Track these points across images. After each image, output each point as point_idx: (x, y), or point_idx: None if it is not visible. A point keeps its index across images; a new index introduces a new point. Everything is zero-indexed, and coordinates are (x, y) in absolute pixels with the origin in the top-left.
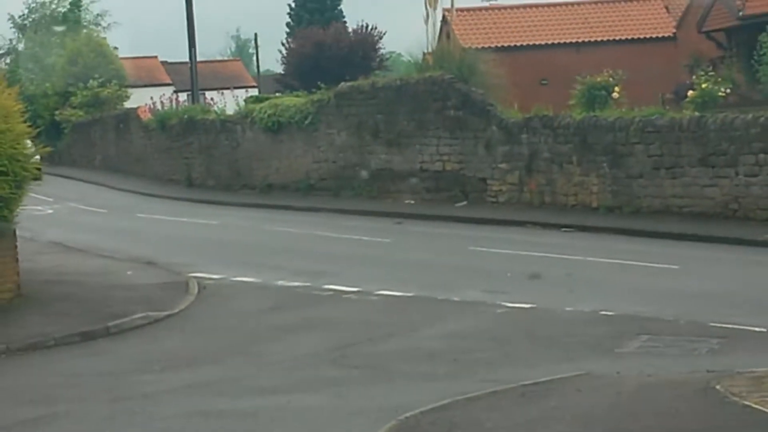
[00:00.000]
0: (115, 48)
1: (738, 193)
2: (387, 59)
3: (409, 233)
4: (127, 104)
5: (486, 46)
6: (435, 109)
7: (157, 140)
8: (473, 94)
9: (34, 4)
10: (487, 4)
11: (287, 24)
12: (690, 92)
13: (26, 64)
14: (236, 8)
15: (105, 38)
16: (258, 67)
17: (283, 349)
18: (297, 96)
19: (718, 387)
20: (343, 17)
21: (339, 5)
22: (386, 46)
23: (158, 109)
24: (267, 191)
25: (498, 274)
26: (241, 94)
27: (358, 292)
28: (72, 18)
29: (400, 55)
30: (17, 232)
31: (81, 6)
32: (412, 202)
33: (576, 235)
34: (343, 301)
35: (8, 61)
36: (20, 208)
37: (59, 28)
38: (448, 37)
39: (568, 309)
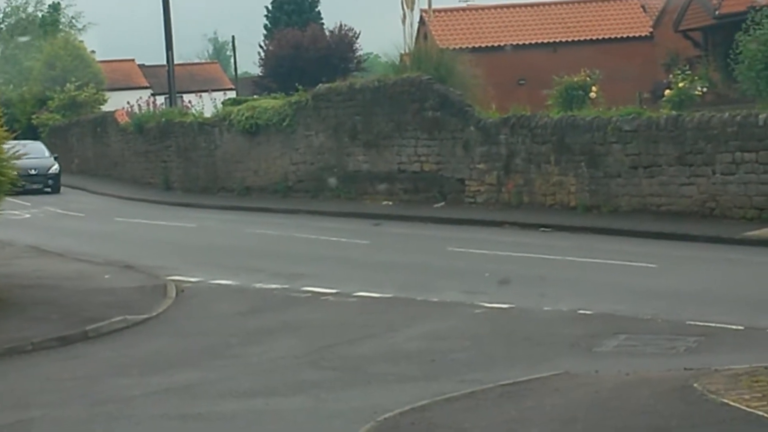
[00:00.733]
0: (93, 51)
1: (715, 191)
2: (364, 60)
3: (388, 234)
4: (105, 108)
5: (463, 46)
6: (413, 110)
7: (134, 143)
8: (451, 94)
9: (9, 9)
10: (464, 4)
11: (265, 26)
12: (667, 91)
13: (3, 67)
14: (213, 10)
15: (82, 41)
16: (236, 69)
17: (261, 352)
18: (274, 98)
19: (695, 385)
20: (321, 19)
21: (316, 7)
22: (364, 47)
23: (136, 113)
24: (245, 194)
25: (476, 274)
26: (219, 96)
27: (336, 293)
28: (49, 21)
29: (377, 56)
30: None
31: (59, 10)
32: (390, 203)
33: (554, 234)
34: (321, 303)
35: None
36: None
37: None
38: (425, 37)
39: (546, 309)
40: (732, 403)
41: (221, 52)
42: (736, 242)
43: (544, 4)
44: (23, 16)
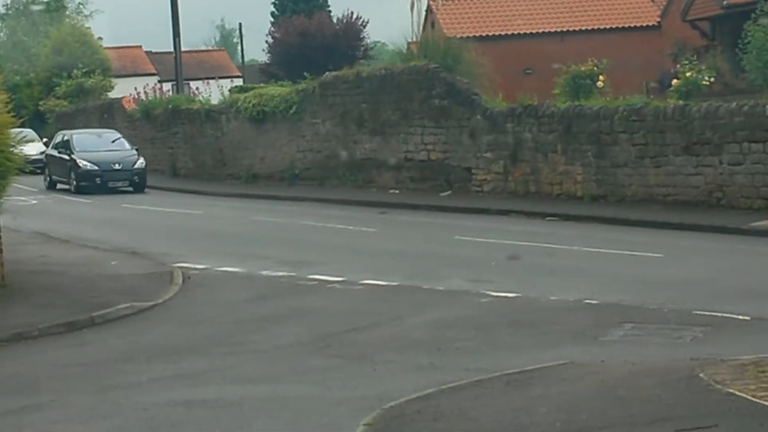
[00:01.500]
0: (100, 38)
1: (722, 181)
2: (372, 48)
3: (394, 223)
4: (112, 94)
5: (471, 35)
6: (420, 98)
7: (141, 130)
8: (458, 83)
9: None
10: None
11: (272, 13)
12: (674, 81)
13: (10, 54)
14: None
15: (89, 28)
16: (242, 56)
17: (268, 339)
18: (281, 86)
19: (701, 375)
20: (328, 6)
21: None
22: (371, 35)
23: (143, 99)
24: (252, 181)
25: (482, 263)
26: (226, 83)
27: (342, 281)
28: (54, 7)
29: (384, 44)
30: (1, 223)
31: None
32: (397, 191)
33: (560, 224)
34: (327, 291)
35: None
36: (4, 198)
37: (37, 7)
38: (432, 26)
39: (552, 298)
40: (738, 393)
41: (228, 40)
42: (743, 232)
43: None
44: (28, 1)
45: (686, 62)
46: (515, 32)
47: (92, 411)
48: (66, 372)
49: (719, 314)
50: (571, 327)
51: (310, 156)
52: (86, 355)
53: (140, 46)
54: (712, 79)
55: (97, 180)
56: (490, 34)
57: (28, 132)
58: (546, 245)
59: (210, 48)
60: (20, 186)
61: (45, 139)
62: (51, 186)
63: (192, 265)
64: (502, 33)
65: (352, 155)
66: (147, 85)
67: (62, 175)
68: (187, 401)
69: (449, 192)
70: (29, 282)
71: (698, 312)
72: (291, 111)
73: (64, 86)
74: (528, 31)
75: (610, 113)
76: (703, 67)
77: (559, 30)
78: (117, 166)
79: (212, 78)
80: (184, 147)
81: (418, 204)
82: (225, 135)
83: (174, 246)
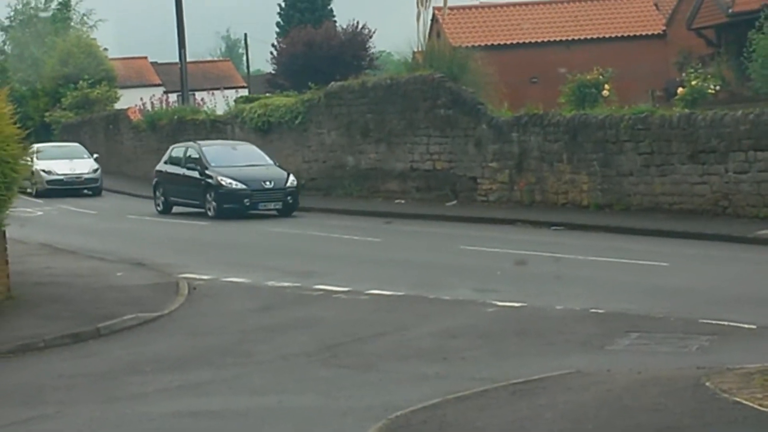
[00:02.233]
0: (105, 49)
1: (728, 189)
2: (377, 58)
3: (400, 232)
4: (117, 105)
5: (476, 44)
6: (425, 108)
7: (147, 141)
8: (463, 92)
9: (20, 6)
10: (477, 2)
11: (277, 24)
12: (680, 89)
13: (16, 65)
14: (226, 8)
15: (95, 39)
16: (248, 67)
17: (273, 349)
18: (287, 96)
19: (708, 384)
20: (334, 16)
21: (329, 4)
22: (376, 44)
23: (148, 110)
24: None
25: (488, 272)
26: (231, 94)
27: (348, 291)
28: (60, 18)
29: (390, 53)
30: (6, 234)
31: (70, 6)
32: (403, 201)
33: (566, 233)
34: (333, 301)
35: None
36: (10, 209)
37: (44, 14)
38: (438, 35)
39: (558, 307)
40: (744, 402)
41: (234, 50)
42: (749, 241)
43: (557, 2)
44: (34, 13)
45: (692, 70)
46: (521, 41)
47: (98, 422)
48: (71, 383)
49: (725, 323)
50: (577, 336)
51: (315, 166)
52: (92, 366)
53: (146, 57)
54: (718, 88)
55: (246, 201)
56: (496, 43)
57: (75, 146)
58: (552, 254)
59: (215, 58)
60: (26, 197)
61: (96, 155)
62: (166, 210)
63: (198, 276)
64: (508, 42)
65: (358, 165)
66: (153, 95)
67: (188, 196)
68: (193, 412)
69: (455, 201)
70: (35, 293)
71: (704, 321)
72: (296, 121)
73: (70, 97)
74: (534, 40)
75: (616, 122)
76: (709, 76)
77: (564, 39)
78: (268, 185)
79: (218, 88)
80: None
81: (424, 213)
82: None
83: (179, 257)
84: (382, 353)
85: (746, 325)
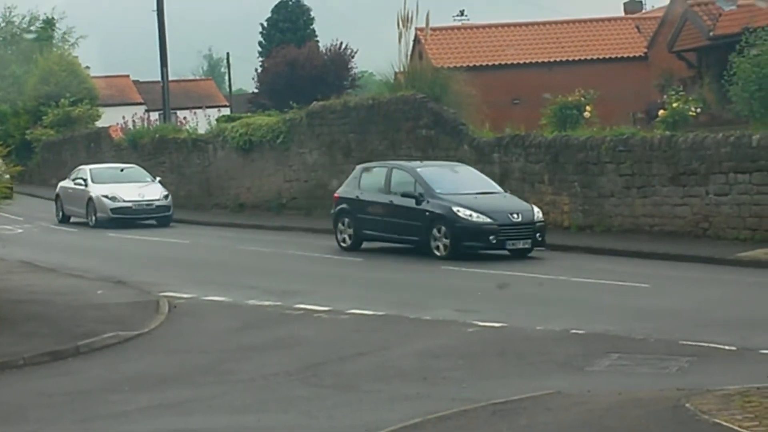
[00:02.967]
0: (87, 67)
1: (708, 212)
2: (359, 78)
3: (381, 252)
4: (99, 123)
5: (458, 65)
6: (407, 128)
7: (128, 159)
8: (445, 113)
9: (3, 24)
10: (459, 23)
11: (259, 43)
12: (661, 111)
13: None
14: (208, 27)
15: (76, 57)
16: (230, 86)
17: (254, 368)
18: (269, 115)
19: (688, 405)
20: (316, 36)
21: (311, 24)
22: (359, 65)
23: (130, 128)
24: (238, 210)
25: (469, 292)
26: (213, 113)
27: (328, 311)
28: (44, 36)
29: (372, 74)
30: None
31: (54, 25)
32: None
33: (547, 253)
34: (313, 320)
35: None
36: None
37: (30, 36)
38: (420, 56)
39: (538, 328)
40: (724, 423)
41: (216, 69)
42: (729, 263)
43: (539, 24)
44: (15, 31)
45: (673, 93)
46: (503, 62)
47: None
48: (51, 401)
49: (705, 344)
50: (558, 357)
51: (297, 185)
52: (71, 385)
53: (128, 75)
54: (699, 110)
55: (492, 239)
56: (478, 64)
57: (134, 168)
58: (533, 275)
59: (197, 77)
60: (6, 215)
61: (158, 178)
62: (356, 245)
63: (178, 295)
64: (490, 63)
65: (340, 185)
66: (134, 114)
67: (394, 230)
68: (173, 431)
69: None
70: (15, 311)
71: (684, 342)
72: (278, 140)
73: (51, 115)
74: (516, 62)
75: (597, 143)
76: (690, 98)
77: (546, 60)
78: (515, 217)
79: (199, 107)
80: (171, 176)
81: None
82: (212, 164)
83: (160, 275)
84: (363, 373)
85: (726, 347)
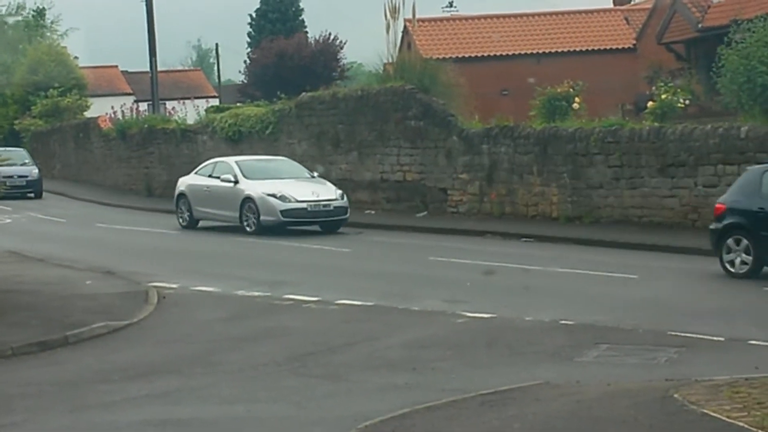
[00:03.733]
0: (76, 57)
1: (697, 203)
2: (348, 69)
3: (370, 243)
4: (88, 114)
5: (447, 56)
6: (396, 119)
7: (117, 150)
8: (434, 104)
9: None
10: (448, 15)
11: (248, 34)
12: (650, 103)
13: None
14: (197, 18)
15: (65, 47)
16: (219, 76)
17: (243, 359)
18: (258, 106)
19: (676, 395)
20: (305, 27)
21: (300, 15)
22: (348, 56)
23: (118, 119)
24: None
25: (458, 283)
26: (202, 103)
27: (317, 301)
28: (34, 25)
29: (361, 65)
30: None
31: (44, 15)
32: (373, 212)
33: (536, 245)
34: (302, 311)
35: None
36: None
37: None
38: (409, 47)
39: (527, 318)
40: (713, 414)
41: (205, 60)
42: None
43: (528, 15)
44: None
45: (662, 84)
46: (492, 54)
47: (66, 431)
48: (40, 391)
49: (694, 335)
50: (547, 347)
51: None
52: (60, 375)
53: (116, 66)
54: (687, 102)
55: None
56: (467, 55)
57: (284, 161)
58: (521, 266)
59: (186, 68)
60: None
61: (316, 173)
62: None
63: (167, 285)
64: (479, 54)
65: (328, 175)
66: (123, 104)
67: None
68: (161, 421)
69: (425, 213)
70: (3, 301)
71: (673, 333)
72: (267, 131)
73: (40, 105)
74: (505, 53)
75: (586, 135)
76: (679, 90)
77: (535, 52)
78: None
79: (188, 98)
80: (160, 167)
81: (394, 224)
82: (201, 155)
83: (149, 265)
84: (352, 363)
85: (714, 338)
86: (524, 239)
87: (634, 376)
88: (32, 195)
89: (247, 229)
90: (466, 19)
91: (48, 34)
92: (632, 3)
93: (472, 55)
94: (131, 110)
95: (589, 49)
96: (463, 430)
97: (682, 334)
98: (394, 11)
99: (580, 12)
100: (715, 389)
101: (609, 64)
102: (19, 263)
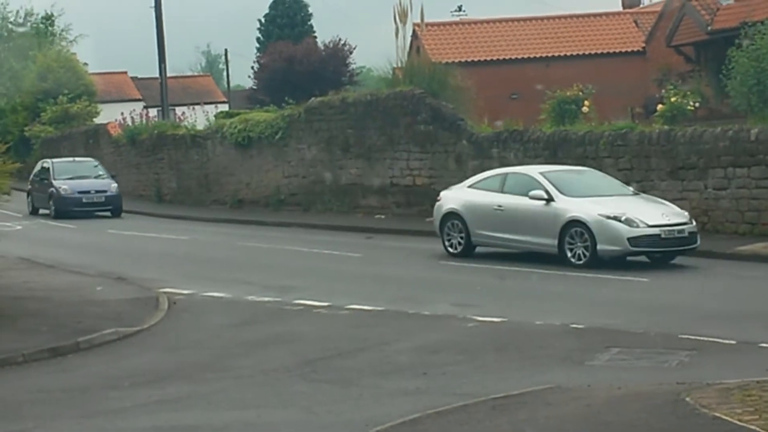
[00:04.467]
0: (85, 64)
1: (707, 206)
2: (357, 74)
3: (380, 248)
4: (97, 120)
5: (456, 60)
6: (405, 123)
7: (127, 156)
8: (443, 108)
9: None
10: (456, 18)
11: (257, 39)
12: (659, 106)
13: None
14: (206, 23)
15: (74, 54)
16: (228, 82)
17: (253, 364)
18: (267, 111)
19: (687, 399)
20: (314, 32)
21: (309, 20)
22: (356, 60)
23: (128, 125)
24: (237, 206)
25: (468, 287)
26: (211, 109)
27: (328, 306)
28: (44, 32)
29: (370, 69)
30: None
31: (53, 21)
32: (383, 216)
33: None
34: (313, 316)
35: None
36: None
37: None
38: (418, 51)
39: (538, 322)
40: (724, 417)
41: (214, 65)
42: (728, 257)
43: (537, 19)
44: (12, 27)
45: (671, 87)
46: (501, 58)
47: None
48: (50, 397)
49: (705, 338)
50: (557, 351)
51: (295, 181)
52: (71, 381)
53: (126, 72)
54: (697, 104)
55: None
56: (476, 59)
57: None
58: (532, 270)
59: (195, 74)
60: (5, 212)
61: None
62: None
63: (177, 291)
64: (488, 58)
65: (338, 180)
66: (133, 110)
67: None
68: (172, 427)
69: None
70: (14, 308)
71: (684, 336)
72: (277, 136)
73: (50, 112)
74: (514, 57)
75: (596, 138)
76: (688, 93)
77: (544, 55)
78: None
79: (198, 103)
80: (170, 172)
81: (404, 229)
82: (210, 160)
83: (159, 271)
84: (363, 368)
85: (726, 341)
86: None
87: (645, 380)
88: (110, 213)
89: (573, 260)
90: (475, 23)
91: (57, 41)
92: (641, 6)
93: (481, 59)
94: (141, 116)
95: (599, 52)
96: None
97: (693, 338)
98: (403, 16)
99: (589, 15)
100: (726, 392)
101: (618, 67)
102: (29, 270)
